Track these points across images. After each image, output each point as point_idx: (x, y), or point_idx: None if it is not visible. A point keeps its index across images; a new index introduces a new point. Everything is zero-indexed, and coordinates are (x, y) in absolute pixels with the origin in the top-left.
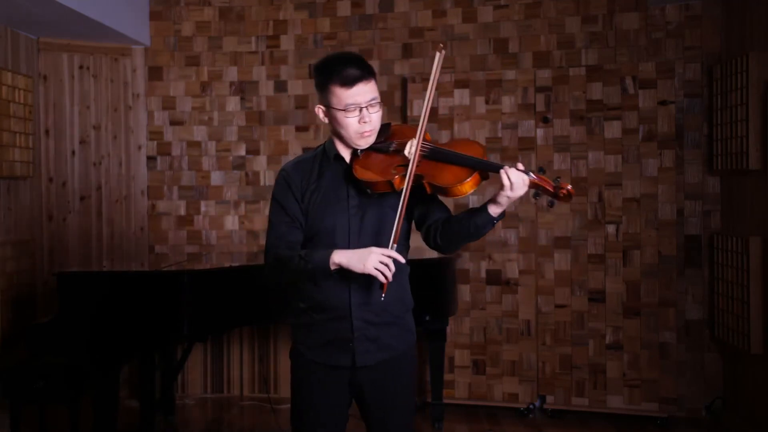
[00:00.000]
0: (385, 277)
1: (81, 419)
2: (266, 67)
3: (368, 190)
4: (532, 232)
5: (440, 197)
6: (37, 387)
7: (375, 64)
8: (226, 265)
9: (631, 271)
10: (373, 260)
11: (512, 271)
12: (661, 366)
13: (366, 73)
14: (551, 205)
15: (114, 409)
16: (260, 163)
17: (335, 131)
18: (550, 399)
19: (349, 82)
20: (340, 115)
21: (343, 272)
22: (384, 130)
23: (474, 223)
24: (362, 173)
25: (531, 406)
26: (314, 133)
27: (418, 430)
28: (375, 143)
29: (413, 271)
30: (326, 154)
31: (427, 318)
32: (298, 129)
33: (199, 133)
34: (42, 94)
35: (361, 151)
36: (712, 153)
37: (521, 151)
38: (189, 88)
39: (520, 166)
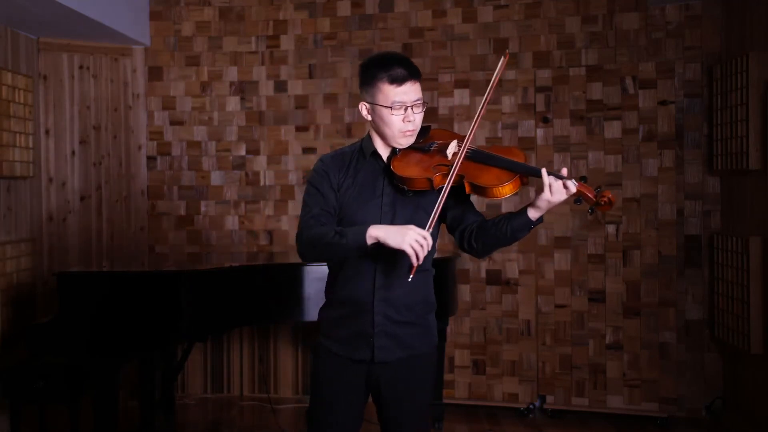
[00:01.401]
0: (417, 258)
1: (81, 419)
2: (266, 67)
3: (405, 187)
4: (532, 232)
5: (476, 198)
6: (37, 387)
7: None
8: (226, 265)
9: (631, 271)
10: (411, 237)
11: (512, 271)
12: (661, 366)
13: (414, 73)
14: (591, 212)
15: (114, 409)
16: (260, 163)
17: (377, 128)
18: (550, 399)
19: (398, 80)
20: (385, 112)
21: (376, 254)
22: (423, 132)
23: (512, 225)
24: (402, 170)
25: (531, 406)
26: (314, 133)
27: None
28: (414, 143)
29: None
30: (363, 151)
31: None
32: (298, 129)
33: (199, 133)
34: (42, 94)
35: (400, 150)
36: (712, 153)
37: (521, 151)
38: (189, 88)
39: (564, 171)
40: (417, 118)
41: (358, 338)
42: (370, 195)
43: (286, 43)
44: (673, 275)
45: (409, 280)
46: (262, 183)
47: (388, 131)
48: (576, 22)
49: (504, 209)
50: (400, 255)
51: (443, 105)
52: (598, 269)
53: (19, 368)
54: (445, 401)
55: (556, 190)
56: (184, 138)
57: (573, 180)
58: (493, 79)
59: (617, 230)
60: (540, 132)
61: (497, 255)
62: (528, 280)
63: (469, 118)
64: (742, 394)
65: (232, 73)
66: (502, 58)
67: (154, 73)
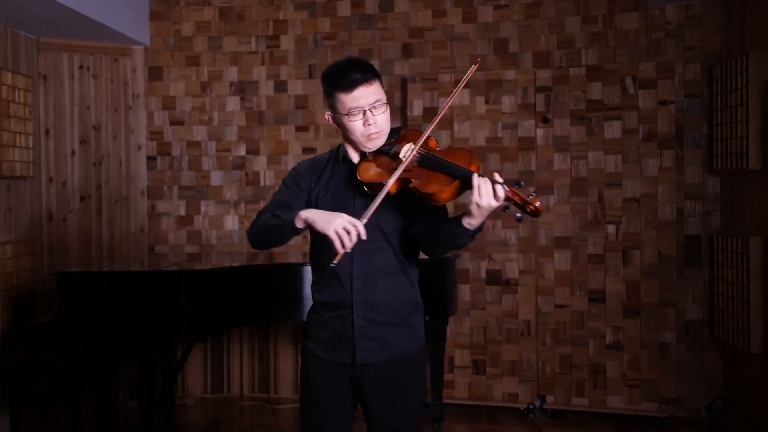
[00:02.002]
0: (343, 246)
1: (81, 419)
2: (266, 67)
3: (367, 191)
4: (532, 232)
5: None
6: (37, 387)
7: (375, 64)
8: (226, 265)
9: (631, 271)
10: (338, 223)
11: (512, 271)
12: (661, 366)
13: (367, 76)
14: (519, 220)
15: (114, 409)
16: (260, 163)
17: (345, 136)
18: (550, 399)
19: (350, 86)
20: (345, 119)
21: (353, 256)
22: (394, 133)
23: (450, 231)
24: (362, 174)
25: (531, 406)
26: (314, 133)
27: None
28: (383, 146)
29: None
30: (337, 157)
31: (427, 318)
32: (298, 129)
33: (199, 133)
34: (42, 94)
35: (370, 153)
36: (712, 153)
37: (521, 151)
38: (189, 88)
39: (497, 176)
40: (379, 119)
41: (339, 341)
42: (342, 200)
43: (286, 43)
44: (673, 275)
45: (332, 265)
46: (262, 183)
47: (352, 137)
48: (576, 22)
49: None
50: (377, 256)
51: (443, 105)
52: (598, 269)
53: (19, 368)
54: (445, 401)
55: (484, 194)
56: (184, 138)
57: (505, 185)
58: (459, 85)
59: (617, 230)
60: (540, 132)
61: (497, 255)
62: (528, 280)
63: (470, 118)
64: (742, 394)
65: (232, 73)
66: (473, 66)
67: (154, 73)
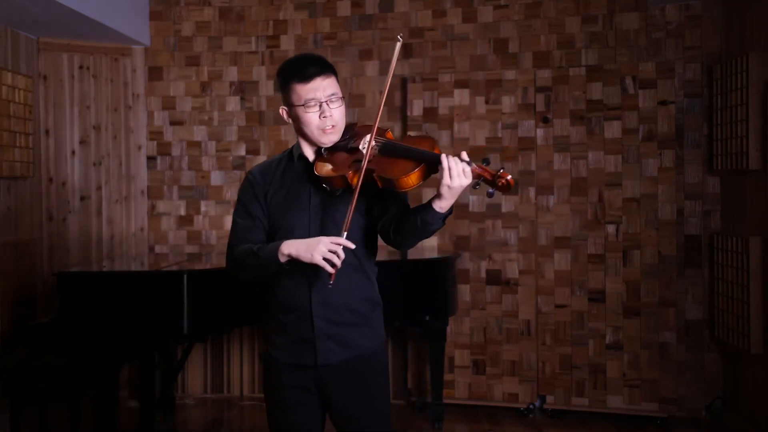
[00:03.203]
0: (333, 266)
1: (81, 419)
2: (266, 67)
3: (327, 187)
4: (532, 232)
5: (399, 192)
6: (37, 387)
7: (375, 64)
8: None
9: (631, 271)
10: (321, 250)
11: (512, 271)
12: (661, 366)
13: (324, 69)
14: (490, 195)
15: (114, 409)
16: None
17: (299, 131)
18: (550, 399)
19: (307, 77)
20: (300, 111)
21: (300, 265)
22: (349, 129)
23: (421, 218)
24: (320, 169)
25: (531, 406)
26: None
27: (418, 430)
28: (338, 142)
29: (413, 271)
30: (292, 155)
31: (427, 318)
32: None
33: (199, 133)
34: (42, 94)
35: (325, 150)
36: (712, 153)
37: (521, 151)
38: (189, 88)
39: (464, 155)
40: (335, 113)
41: (300, 344)
42: (297, 198)
43: (286, 43)
44: (673, 275)
45: (329, 286)
46: None
47: (307, 131)
48: (576, 22)
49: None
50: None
51: (443, 105)
52: (598, 269)
53: (19, 368)
54: (445, 401)
55: (455, 175)
56: (184, 138)
57: (473, 162)
58: (392, 65)
59: (617, 230)
60: (540, 132)
61: (497, 255)
62: (528, 280)
63: (470, 118)
64: (742, 394)
65: (232, 73)
66: (398, 43)
67: (154, 73)
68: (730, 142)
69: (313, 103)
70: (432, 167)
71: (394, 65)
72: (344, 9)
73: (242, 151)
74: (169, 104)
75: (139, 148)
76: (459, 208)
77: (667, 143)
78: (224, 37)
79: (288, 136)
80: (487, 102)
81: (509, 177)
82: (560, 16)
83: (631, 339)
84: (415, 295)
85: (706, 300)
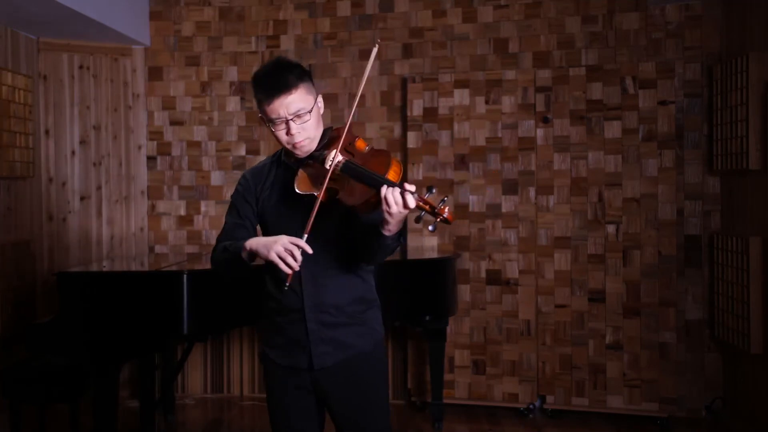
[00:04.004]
0: (290, 266)
1: (81, 419)
2: None
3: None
4: (532, 232)
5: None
6: (37, 387)
7: (375, 64)
8: None
9: (631, 271)
10: (278, 248)
11: (512, 271)
12: (661, 366)
13: (285, 87)
14: (432, 230)
15: (114, 409)
16: None
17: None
18: (550, 399)
19: (268, 98)
20: (270, 126)
21: (292, 275)
22: (326, 134)
23: (376, 241)
24: (298, 184)
25: (531, 406)
26: None
27: (419, 430)
28: (315, 150)
29: (413, 272)
30: (279, 160)
31: (427, 318)
32: None
33: (199, 133)
34: (42, 94)
35: (303, 160)
36: (712, 153)
37: (521, 151)
38: (189, 88)
39: (408, 186)
40: (306, 126)
41: (294, 346)
42: (288, 206)
43: (286, 43)
44: (673, 275)
45: (285, 288)
46: None
47: (281, 144)
48: (576, 22)
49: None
50: (321, 259)
51: (443, 105)
52: (598, 269)
53: (19, 368)
54: (445, 401)
55: (392, 203)
56: (184, 138)
57: (415, 194)
58: (365, 73)
59: (617, 230)
60: (540, 132)
61: (497, 255)
62: (528, 280)
63: (469, 118)
64: (742, 394)
65: (232, 73)
66: (374, 49)
67: (154, 73)
68: (730, 142)
69: (279, 122)
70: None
71: (368, 70)
72: (344, 9)
73: (242, 151)
74: (169, 104)
75: (139, 148)
76: (459, 208)
77: (667, 143)
78: (224, 37)
79: None
80: (487, 102)
81: (447, 212)
82: (560, 16)
83: (631, 339)
84: (415, 295)
85: (706, 300)
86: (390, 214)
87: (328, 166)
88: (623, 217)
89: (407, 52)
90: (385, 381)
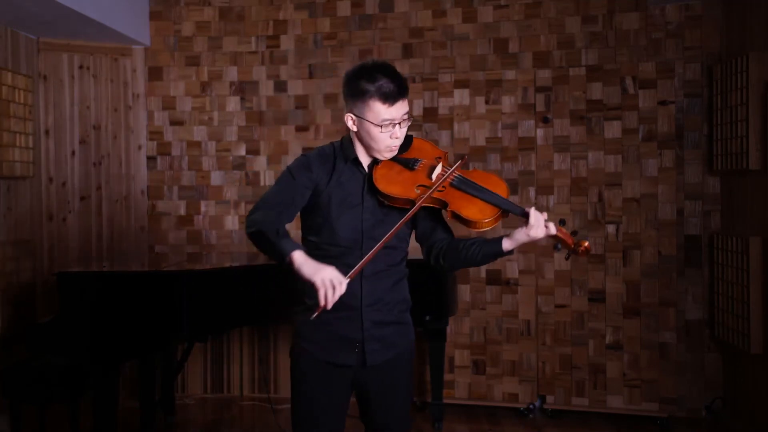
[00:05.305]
0: (326, 299)
1: (81, 419)
2: (266, 67)
3: (385, 202)
4: None
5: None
6: (37, 387)
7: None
8: (226, 265)
9: (631, 271)
10: (326, 276)
11: (512, 271)
12: (661, 366)
13: (405, 90)
14: (567, 257)
15: (114, 409)
16: (260, 163)
17: (361, 139)
18: (550, 399)
19: (390, 99)
20: (374, 130)
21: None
22: (406, 142)
23: (484, 252)
24: (384, 185)
25: (531, 406)
26: (314, 133)
27: (419, 430)
28: (397, 155)
29: (413, 272)
30: (344, 154)
31: (427, 318)
32: (298, 129)
33: (199, 133)
34: (42, 94)
35: (382, 160)
36: (712, 153)
37: (521, 151)
38: (189, 88)
39: (545, 215)
40: (402, 133)
41: (342, 343)
42: (352, 202)
43: (286, 43)
44: (673, 275)
45: (312, 318)
46: (262, 183)
47: (374, 145)
48: (576, 22)
49: None
50: (380, 257)
51: (443, 105)
52: (598, 269)
53: (19, 368)
54: (445, 401)
55: (537, 226)
56: (184, 138)
57: (552, 224)
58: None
59: (617, 230)
60: (540, 132)
61: None
62: (528, 280)
63: (469, 118)
64: (742, 394)
65: (232, 73)
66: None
67: (154, 73)
68: (730, 142)
69: (388, 124)
70: (505, 214)
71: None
72: (344, 9)
73: (242, 151)
74: (169, 104)
75: (139, 148)
76: None
77: (667, 143)
78: (224, 37)
79: (288, 136)
80: (487, 102)
81: (588, 244)
82: (560, 16)
83: (631, 339)
84: (415, 296)
85: (706, 300)
86: (529, 236)
87: (434, 177)
88: (623, 217)
89: (407, 52)
90: (412, 381)
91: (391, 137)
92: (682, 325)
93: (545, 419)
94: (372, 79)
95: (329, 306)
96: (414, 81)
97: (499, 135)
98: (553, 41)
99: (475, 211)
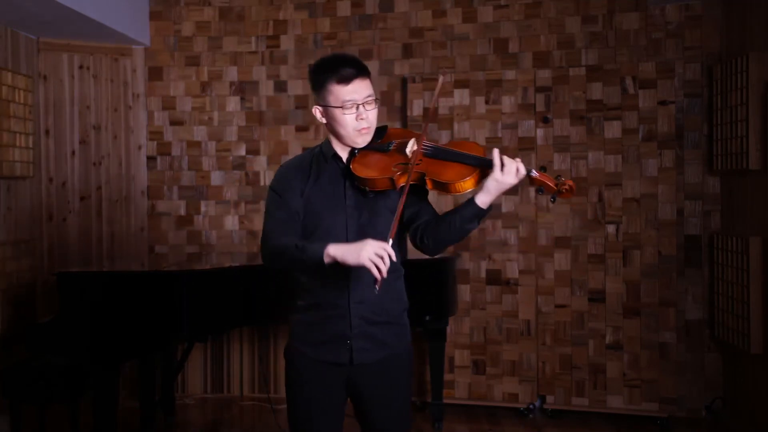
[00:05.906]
0: (380, 271)
1: (81, 419)
2: (266, 67)
3: (366, 188)
4: (532, 232)
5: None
6: (37, 387)
7: (375, 64)
8: (226, 265)
9: (631, 271)
10: (369, 251)
11: (512, 271)
12: (661, 366)
13: (362, 71)
14: (553, 200)
15: (114, 409)
16: (260, 163)
17: (333, 130)
18: (550, 399)
19: (346, 79)
20: (337, 112)
21: (339, 267)
22: (380, 132)
23: (461, 215)
24: (362, 171)
25: (531, 406)
26: (314, 133)
27: (419, 430)
28: (372, 143)
29: (413, 272)
30: (323, 154)
31: (427, 318)
32: (298, 129)
33: (199, 133)
34: (42, 94)
35: (359, 150)
36: (712, 153)
37: (521, 151)
38: (189, 88)
39: (518, 161)
40: (370, 114)
41: (334, 341)
42: (334, 198)
43: (286, 43)
44: (673, 275)
45: (376, 292)
46: (262, 183)
47: (342, 131)
48: (576, 22)
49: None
50: None
51: (443, 105)
52: (598, 269)
53: (19, 368)
54: (445, 401)
55: (507, 171)
56: (184, 138)
57: (533, 170)
58: (433, 98)
59: (617, 230)
60: (540, 132)
61: (497, 255)
62: (528, 280)
63: (469, 118)
64: (742, 394)
65: (232, 73)
66: (440, 78)
67: (154, 73)
68: (730, 142)
69: (350, 105)
70: (485, 173)
71: (437, 96)
72: (344, 9)
73: (242, 151)
74: (169, 104)
75: (139, 148)
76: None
77: (667, 143)
78: (224, 37)
79: (288, 136)
80: (487, 102)
81: (572, 182)
82: (560, 16)
83: (631, 339)
84: (415, 296)
85: (706, 300)
86: (497, 181)
87: (408, 151)
88: (623, 217)
89: (407, 52)
90: (411, 384)
91: (356, 119)
92: (682, 325)
93: (545, 419)
94: (329, 66)
95: (385, 274)
96: (414, 81)
97: (499, 135)
98: (553, 41)
99: (452, 173)
